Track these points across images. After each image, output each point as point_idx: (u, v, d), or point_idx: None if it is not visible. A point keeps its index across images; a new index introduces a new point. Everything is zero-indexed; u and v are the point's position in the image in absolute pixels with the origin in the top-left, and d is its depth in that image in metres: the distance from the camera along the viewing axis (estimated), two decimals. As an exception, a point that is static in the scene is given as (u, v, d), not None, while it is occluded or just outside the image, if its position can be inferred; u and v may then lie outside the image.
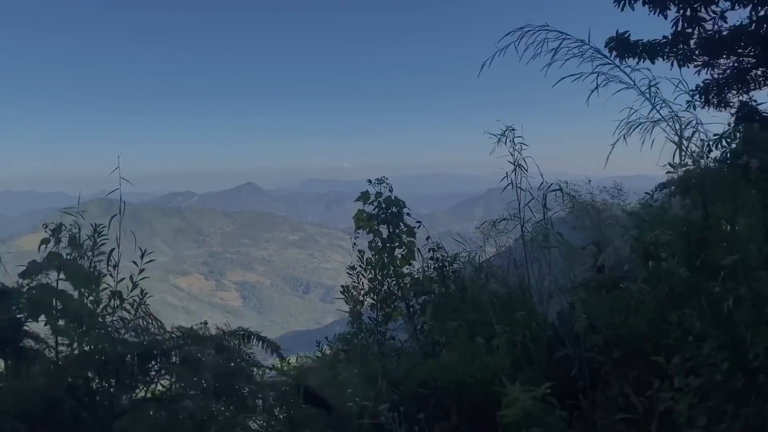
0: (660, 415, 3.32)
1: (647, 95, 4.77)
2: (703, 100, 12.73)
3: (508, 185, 6.82)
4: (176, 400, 3.47)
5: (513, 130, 6.91)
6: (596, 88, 5.04)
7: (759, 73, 12.14)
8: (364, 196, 7.05)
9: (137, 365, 3.58)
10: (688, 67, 12.69)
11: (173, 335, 4.07)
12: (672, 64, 12.51)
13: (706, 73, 12.87)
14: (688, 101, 5.71)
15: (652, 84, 5.69)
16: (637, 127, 5.02)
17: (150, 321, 4.36)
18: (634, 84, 4.94)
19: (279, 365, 5.24)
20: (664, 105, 5.75)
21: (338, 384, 5.21)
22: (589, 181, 10.04)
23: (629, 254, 5.34)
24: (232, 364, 4.06)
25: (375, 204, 7.02)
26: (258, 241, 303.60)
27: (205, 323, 4.39)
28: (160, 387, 3.99)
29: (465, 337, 5.32)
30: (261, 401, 3.89)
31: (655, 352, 3.94)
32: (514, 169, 6.80)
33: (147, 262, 4.85)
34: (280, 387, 4.18)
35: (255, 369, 4.38)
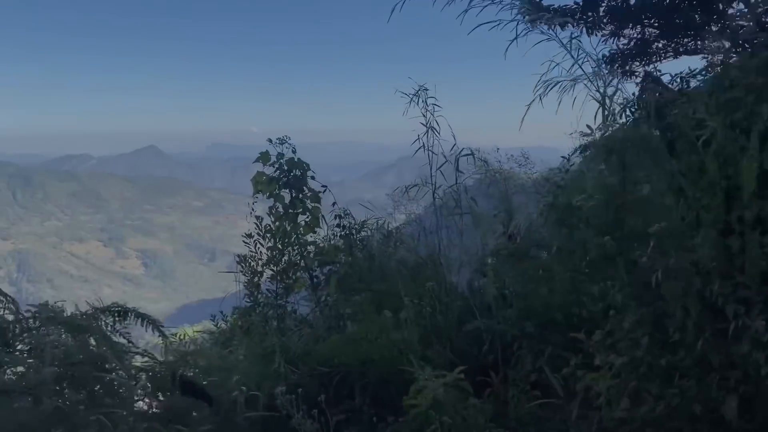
0: (579, 395, 3.05)
1: (568, 48, 4.47)
2: (608, 69, 12.92)
3: (419, 149, 6.44)
4: (12, 394, 2.82)
5: (426, 90, 6.54)
6: (516, 38, 4.68)
7: (660, 45, 12.43)
8: (263, 157, 6.43)
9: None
10: (596, 35, 12.80)
11: (22, 316, 3.36)
12: (581, 32, 12.56)
13: (612, 43, 13.04)
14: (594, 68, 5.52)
15: (573, 37, 5.44)
16: (555, 85, 4.75)
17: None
18: (556, 36, 4.62)
19: (164, 344, 4.61)
20: (585, 60, 5.54)
21: (229, 366, 4.66)
22: (497, 149, 9.87)
23: (543, 221, 5.11)
24: (94, 348, 3.42)
25: (276, 166, 6.42)
26: (160, 207, 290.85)
27: (63, 302, 3.69)
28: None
29: (371, 311, 4.92)
30: (126, 392, 3.29)
31: (572, 326, 3.70)
32: (426, 132, 6.43)
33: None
34: (154, 374, 3.59)
35: (128, 354, 3.75)
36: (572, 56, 4.73)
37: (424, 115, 6.46)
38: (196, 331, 7.02)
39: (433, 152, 6.33)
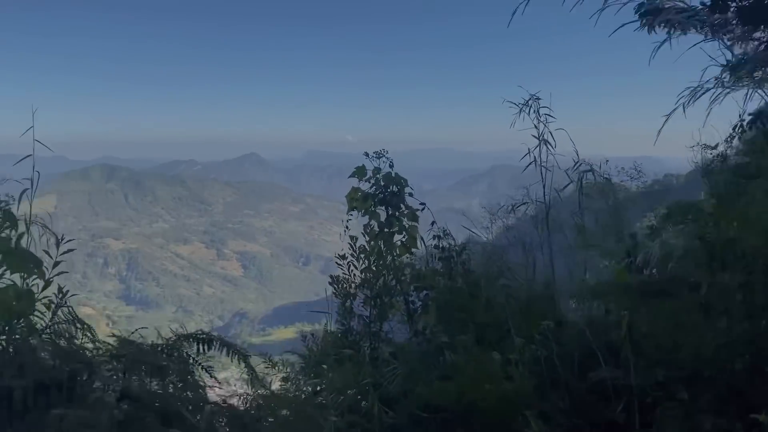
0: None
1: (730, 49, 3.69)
2: (733, 77, 11.61)
3: (529, 160, 5.79)
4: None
5: (538, 99, 5.88)
6: (668, 39, 3.97)
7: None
8: (359, 172, 6.00)
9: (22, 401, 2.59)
10: (722, 40, 11.53)
11: (90, 352, 3.06)
12: (706, 35, 11.35)
13: (740, 47, 11.69)
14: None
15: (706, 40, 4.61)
16: (704, 93, 3.99)
17: (74, 328, 3.35)
18: (719, 39, 3.88)
19: (249, 377, 4.25)
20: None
21: (319, 406, 4.23)
22: (607, 161, 9.01)
23: (683, 253, 4.31)
24: (171, 391, 3.07)
25: (372, 181, 5.97)
26: (260, 211, 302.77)
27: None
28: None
29: (475, 349, 4.32)
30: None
31: (730, 385, 2.95)
32: (539, 145, 5.77)
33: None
34: (239, 420, 3.20)
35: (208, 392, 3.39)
36: (722, 62, 3.95)
37: (536, 126, 5.81)
38: (284, 359, 6.67)
39: (546, 168, 5.65)
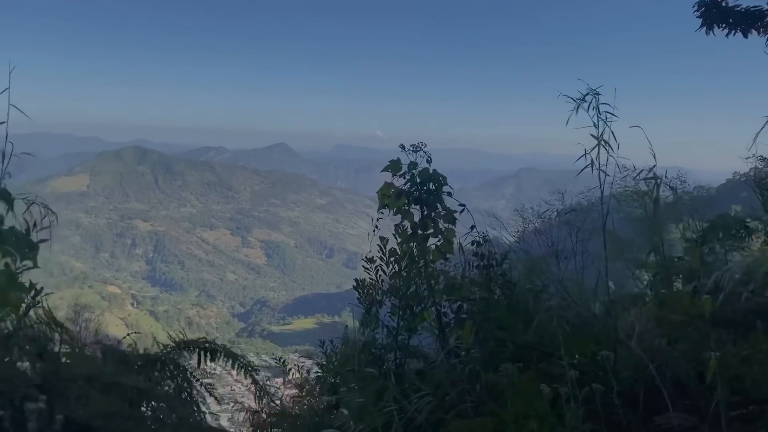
0: None
1: None
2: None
3: (583, 163, 5.15)
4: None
5: (597, 94, 5.22)
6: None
7: None
8: (393, 166, 5.41)
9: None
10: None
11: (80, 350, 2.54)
12: (768, 40, 10.52)
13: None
14: None
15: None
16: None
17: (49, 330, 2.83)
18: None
19: (257, 393, 3.71)
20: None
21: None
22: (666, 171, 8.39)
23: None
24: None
25: (407, 177, 5.38)
26: (286, 201, 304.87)
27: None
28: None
29: (521, 379, 3.71)
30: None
31: None
32: (597, 145, 5.11)
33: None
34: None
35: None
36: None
37: (595, 125, 5.15)
38: (297, 377, 6.13)
39: (605, 172, 4.99)
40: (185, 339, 3.49)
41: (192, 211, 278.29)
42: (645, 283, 7.11)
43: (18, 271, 4.20)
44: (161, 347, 3.41)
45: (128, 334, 3.35)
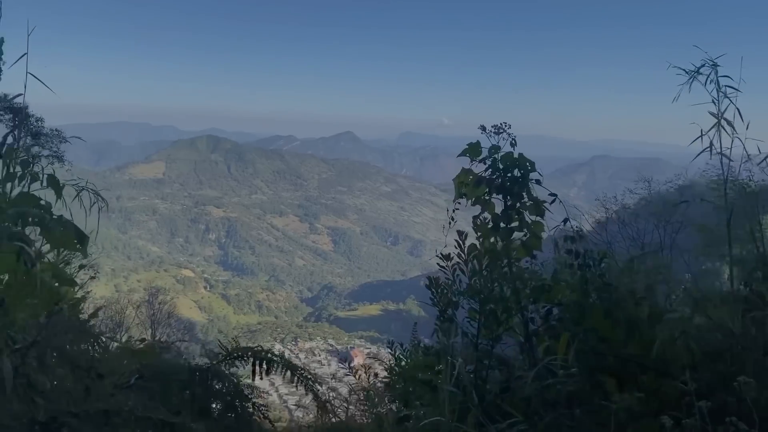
0: None
1: None
2: None
3: (702, 146, 4.40)
4: None
5: (716, 65, 4.44)
6: None
7: None
8: (472, 149, 4.76)
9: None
10: None
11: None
12: None
13: None
14: None
15: None
16: None
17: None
18: None
19: (318, 408, 3.21)
20: None
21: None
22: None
23: None
24: None
25: (488, 163, 4.73)
26: (352, 189, 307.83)
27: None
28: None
29: (635, 410, 3.04)
30: None
31: None
32: (717, 124, 4.34)
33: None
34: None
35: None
36: None
37: (714, 102, 4.36)
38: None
39: (729, 158, 4.21)
40: (238, 346, 3.01)
41: (262, 198, 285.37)
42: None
43: (64, 262, 3.86)
44: (214, 355, 2.96)
45: (166, 345, 2.90)
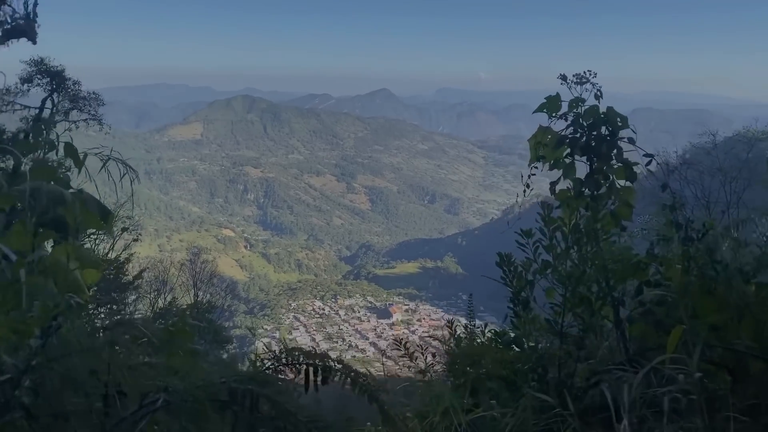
0: None
1: None
2: None
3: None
4: None
5: None
6: None
7: None
8: (551, 104, 4.05)
9: None
10: None
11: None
12: None
13: None
14: None
15: None
16: None
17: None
18: None
19: (382, 417, 2.67)
20: None
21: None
22: None
23: None
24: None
25: (570, 118, 4.01)
26: (389, 147, 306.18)
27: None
28: None
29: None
30: None
31: None
32: None
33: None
34: None
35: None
36: None
37: None
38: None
39: None
40: (287, 350, 2.46)
41: (299, 158, 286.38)
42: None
43: (84, 243, 3.35)
44: (259, 359, 2.42)
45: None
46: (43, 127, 3.70)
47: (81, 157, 3.70)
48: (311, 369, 2.46)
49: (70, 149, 3.70)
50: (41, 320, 1.67)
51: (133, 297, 26.21)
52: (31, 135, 3.59)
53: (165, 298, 28.24)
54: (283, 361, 2.47)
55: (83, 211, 3.40)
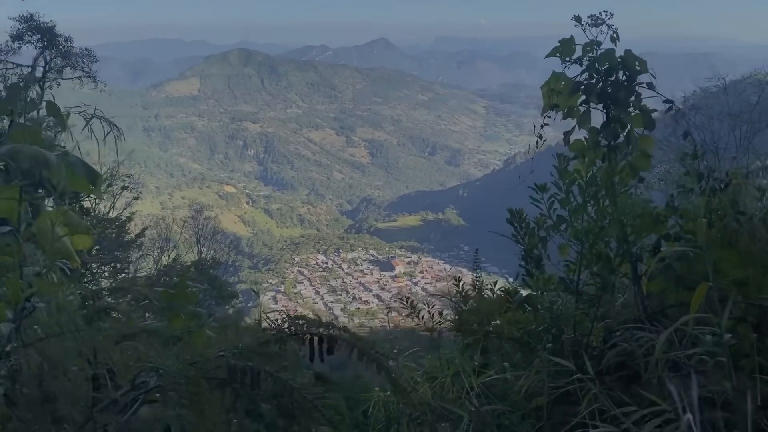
0: None
1: None
2: None
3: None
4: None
5: None
6: None
7: None
8: (564, 47, 3.77)
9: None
10: None
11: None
12: None
13: None
14: None
15: None
16: None
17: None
18: None
19: (392, 387, 2.55)
20: None
21: None
22: None
23: None
24: None
25: (585, 62, 3.75)
26: (388, 99, 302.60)
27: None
28: None
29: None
30: None
31: None
32: None
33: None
34: None
35: None
36: None
37: None
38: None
39: None
40: (293, 319, 2.31)
41: (298, 112, 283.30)
42: None
43: (74, 207, 3.16)
44: (269, 323, 2.27)
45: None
46: (21, 85, 3.46)
47: (64, 116, 3.49)
48: (316, 338, 2.30)
49: (53, 108, 3.47)
50: (13, 302, 1.50)
51: (137, 255, 26.26)
52: (7, 93, 3.35)
53: (169, 256, 28.31)
54: (286, 331, 2.31)
55: (69, 174, 3.20)
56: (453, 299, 4.93)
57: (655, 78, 3.73)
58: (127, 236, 23.62)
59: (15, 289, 1.55)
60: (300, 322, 2.36)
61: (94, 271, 19.59)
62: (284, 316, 2.36)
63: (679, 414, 2.35)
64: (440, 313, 5.15)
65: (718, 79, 13.84)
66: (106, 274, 20.51)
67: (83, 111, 3.74)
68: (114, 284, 4.49)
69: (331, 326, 2.37)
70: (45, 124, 3.90)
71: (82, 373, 1.64)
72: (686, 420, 1.30)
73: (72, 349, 1.56)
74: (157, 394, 1.77)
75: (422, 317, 5.16)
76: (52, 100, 3.52)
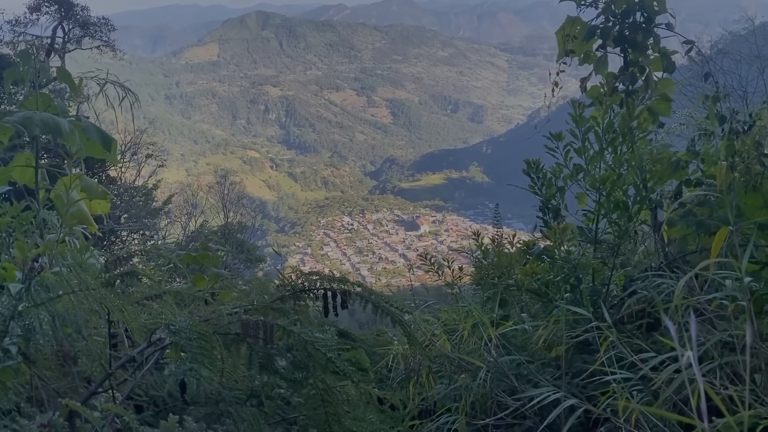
0: None
1: None
2: None
3: None
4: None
5: None
6: None
7: None
8: (579, -10, 3.64)
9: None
10: None
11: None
12: None
13: None
14: None
15: None
16: None
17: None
18: None
19: (408, 340, 2.58)
20: None
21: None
22: None
23: None
24: None
25: (601, 5, 3.61)
26: (408, 57, 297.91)
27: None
28: None
29: None
30: None
31: None
32: None
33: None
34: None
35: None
36: None
37: None
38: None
39: None
40: (303, 275, 2.33)
41: (318, 74, 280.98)
42: None
43: (101, 176, 3.20)
44: (285, 283, 2.30)
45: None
46: (31, 52, 3.47)
47: (76, 82, 3.50)
48: (329, 293, 2.32)
49: (64, 74, 3.48)
50: (20, 261, 1.54)
51: (165, 222, 26.74)
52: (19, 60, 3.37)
53: (196, 221, 28.77)
54: (300, 286, 2.33)
55: (83, 140, 3.23)
56: (474, 254, 4.92)
57: (674, 18, 3.59)
58: (155, 204, 24.02)
59: (21, 249, 1.59)
60: (314, 277, 2.38)
61: (124, 238, 20.04)
62: (298, 272, 2.39)
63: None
64: (460, 269, 5.15)
65: (746, 21, 13.29)
66: (136, 241, 20.98)
67: (95, 77, 3.75)
68: (140, 249, 4.58)
69: (345, 281, 2.39)
70: (67, 95, 3.90)
71: (97, 332, 1.68)
72: (686, 357, 1.28)
73: (87, 309, 1.60)
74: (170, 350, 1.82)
75: (442, 274, 5.16)
76: (66, 68, 3.53)
